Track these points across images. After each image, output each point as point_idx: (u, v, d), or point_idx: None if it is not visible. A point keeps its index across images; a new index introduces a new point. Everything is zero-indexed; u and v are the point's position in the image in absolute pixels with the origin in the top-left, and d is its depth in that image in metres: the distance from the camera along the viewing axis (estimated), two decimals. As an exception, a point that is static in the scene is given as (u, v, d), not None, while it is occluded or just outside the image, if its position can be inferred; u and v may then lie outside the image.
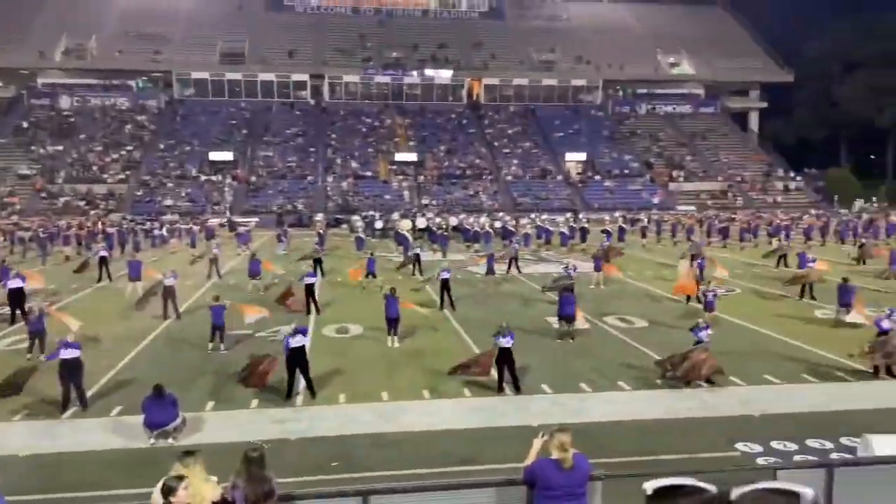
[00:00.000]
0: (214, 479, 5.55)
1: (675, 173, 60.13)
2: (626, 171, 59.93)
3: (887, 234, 38.57)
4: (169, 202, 51.78)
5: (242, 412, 11.27)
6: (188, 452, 5.59)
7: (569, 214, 48.55)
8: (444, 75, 67.81)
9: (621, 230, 36.18)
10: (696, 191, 58.41)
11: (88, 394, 11.55)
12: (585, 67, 69.61)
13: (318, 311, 18.73)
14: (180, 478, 5.06)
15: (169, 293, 18.15)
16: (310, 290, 19.04)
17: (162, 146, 59.17)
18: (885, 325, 13.06)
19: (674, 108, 69.80)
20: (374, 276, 23.03)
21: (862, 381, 12.77)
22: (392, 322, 15.50)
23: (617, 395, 12.21)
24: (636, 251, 32.33)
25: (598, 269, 23.29)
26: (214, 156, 57.26)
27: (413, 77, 67.71)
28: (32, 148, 57.77)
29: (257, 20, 69.89)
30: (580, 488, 5.41)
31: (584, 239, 34.81)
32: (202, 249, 31.76)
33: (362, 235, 34.96)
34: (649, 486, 5.30)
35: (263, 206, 52.24)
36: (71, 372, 11.07)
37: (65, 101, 62.72)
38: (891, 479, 6.14)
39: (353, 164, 58.47)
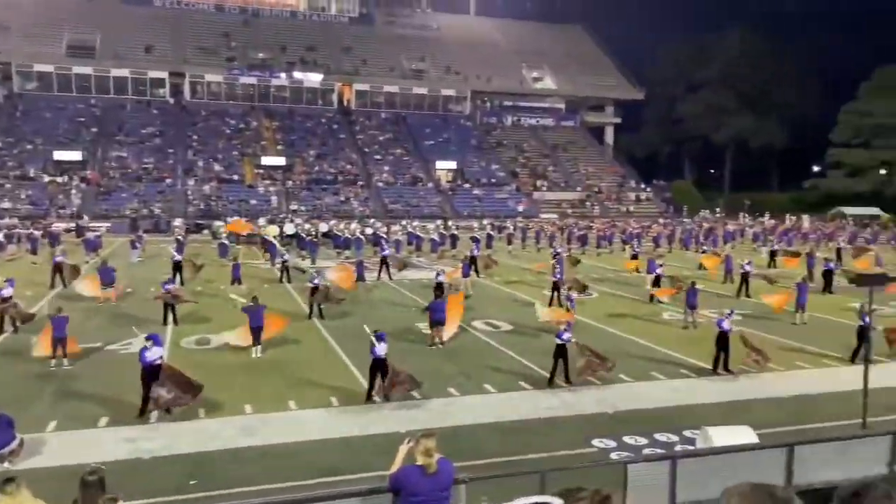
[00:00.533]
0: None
1: (538, 183, 62.78)
2: (494, 180, 61.83)
3: (724, 242, 42.30)
4: (7, 205, 47.11)
5: (89, 432, 10.45)
6: (8, 479, 5.09)
7: (439, 221, 49.28)
8: (314, 79, 66.75)
9: (489, 237, 37.23)
10: (558, 200, 61.31)
11: None
12: (455, 78, 71.08)
13: (175, 321, 17.73)
14: None
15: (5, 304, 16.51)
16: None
17: (0, 144, 53.86)
18: (725, 325, 14.24)
19: (537, 121, 72.91)
20: (240, 283, 22.18)
21: (703, 378, 13.89)
22: (256, 331, 14.99)
23: (482, 397, 12.51)
24: (503, 257, 33.33)
25: (465, 275, 23.81)
26: (60, 155, 52.85)
27: (281, 79, 66.10)
28: None
29: (111, 12, 65.32)
30: (444, 492, 5.47)
31: (454, 245, 35.49)
32: (45, 256, 29.16)
33: (225, 241, 33.56)
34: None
35: (116, 209, 48.83)
36: None
37: None
38: (726, 465, 6.72)
39: (217, 167, 56.09)
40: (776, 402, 12.36)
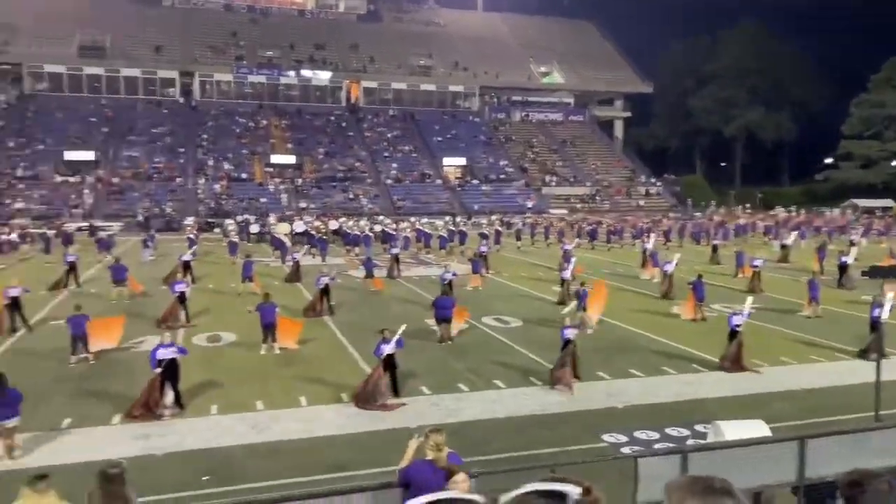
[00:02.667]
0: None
1: (547, 178, 62.62)
2: (503, 176, 61.72)
3: (735, 235, 42.07)
4: (20, 205, 47.51)
5: (103, 429, 10.54)
6: (41, 476, 5.13)
7: (448, 218, 49.29)
8: (323, 76, 66.90)
9: (497, 233, 37.20)
10: (567, 195, 61.12)
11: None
12: (462, 74, 71.01)
13: (188, 319, 17.82)
14: None
15: (15, 305, 16.64)
16: (181, 298, 18.10)
17: (11, 144, 54.21)
18: (735, 320, 14.13)
19: (546, 116, 72.71)
20: (251, 280, 22.22)
21: (713, 372, 13.83)
22: (267, 329, 15.06)
23: (492, 393, 12.52)
24: (512, 253, 33.36)
25: (475, 271, 23.82)
26: (71, 155, 53.19)
27: (290, 77, 66.30)
28: None
29: (121, 12, 65.65)
30: (454, 487, 5.49)
31: (462, 242, 35.47)
32: (58, 256, 29.40)
33: (235, 240, 33.73)
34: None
35: (128, 209, 49.13)
36: None
37: None
38: (737, 460, 6.71)
39: (227, 166, 56.33)
40: (789, 396, 12.30)
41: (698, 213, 59.65)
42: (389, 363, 12.00)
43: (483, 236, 32.62)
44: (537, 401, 12.01)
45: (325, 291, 19.08)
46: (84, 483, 5.31)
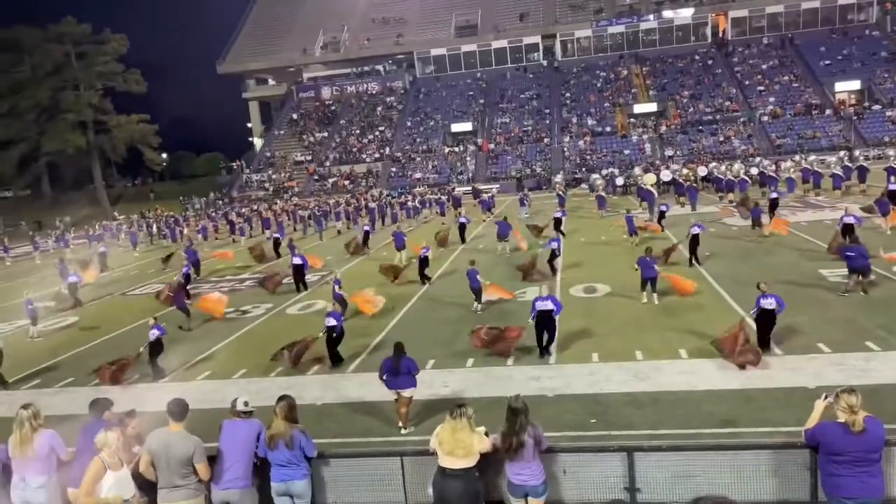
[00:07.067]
0: (482, 429, 5.89)
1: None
2: (915, 97, 50.98)
3: None
4: (418, 175, 55.52)
5: (501, 369, 11.80)
6: (460, 405, 5.92)
7: (842, 153, 42.81)
8: (685, 14, 63.20)
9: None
10: None
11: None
12: (855, -19, 60.18)
13: (554, 273, 18.71)
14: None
15: (424, 263, 19.45)
16: (553, 255, 19.17)
17: (409, 123, 63.41)
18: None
19: (979, 13, 57.49)
20: (636, 234, 22.41)
21: None
22: (648, 281, 15.04)
23: (911, 354, 10.61)
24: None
25: (884, 212, 20.29)
26: (455, 128, 60.00)
27: (650, 21, 64.14)
28: (303, 136, 65.61)
29: (488, -11, 71.01)
30: (874, 454, 4.88)
31: (862, 179, 30.34)
32: (451, 218, 33.60)
33: (602, 194, 34.22)
34: None
35: (503, 172, 53.64)
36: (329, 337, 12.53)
37: (326, 92, 69.96)
38: None
39: (590, 122, 57.36)
40: None
41: None
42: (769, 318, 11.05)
43: (890, 171, 27.53)
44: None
45: (695, 242, 18.21)
46: (492, 415, 6.00)
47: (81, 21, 62.85)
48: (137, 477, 5.65)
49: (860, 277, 14.07)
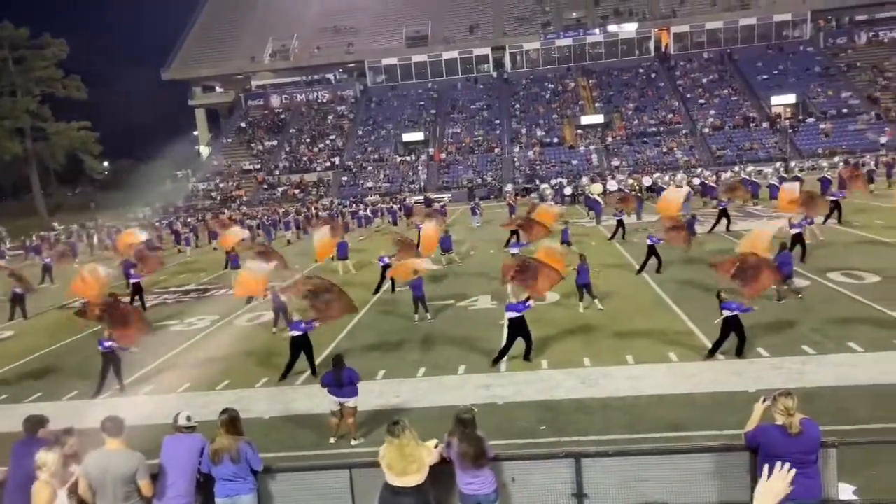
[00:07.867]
0: (432, 441, 5.83)
1: (906, 106, 52.39)
2: (845, 110, 53.31)
3: None
4: (370, 184, 55.30)
5: (451, 378, 11.81)
6: (395, 422, 5.66)
7: (779, 164, 44.45)
8: (629, 29, 64.80)
9: (841, 177, 32.28)
10: (935, 124, 50.44)
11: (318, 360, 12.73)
12: (788, 0, 62.72)
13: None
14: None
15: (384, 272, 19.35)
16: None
17: (360, 132, 63.15)
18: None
19: (902, 33, 60.57)
20: (570, 245, 22.75)
21: None
22: (582, 288, 15.33)
23: (846, 357, 11.06)
24: (863, 198, 28.80)
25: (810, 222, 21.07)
26: (407, 137, 60.06)
27: (595, 35, 65.52)
28: (252, 145, 64.64)
29: (438, 1, 71.42)
30: (811, 455, 5.04)
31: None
32: (403, 227, 33.54)
33: (552, 203, 34.67)
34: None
35: (454, 181, 53.90)
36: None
37: (275, 100, 69.15)
38: None
39: (539, 133, 58.16)
40: None
41: None
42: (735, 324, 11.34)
43: (823, 181, 28.73)
44: (906, 368, 10.28)
45: (652, 252, 18.56)
46: (441, 424, 6.01)
47: (19, 25, 60.65)
48: (73, 499, 5.43)
49: (790, 282, 14.63)
